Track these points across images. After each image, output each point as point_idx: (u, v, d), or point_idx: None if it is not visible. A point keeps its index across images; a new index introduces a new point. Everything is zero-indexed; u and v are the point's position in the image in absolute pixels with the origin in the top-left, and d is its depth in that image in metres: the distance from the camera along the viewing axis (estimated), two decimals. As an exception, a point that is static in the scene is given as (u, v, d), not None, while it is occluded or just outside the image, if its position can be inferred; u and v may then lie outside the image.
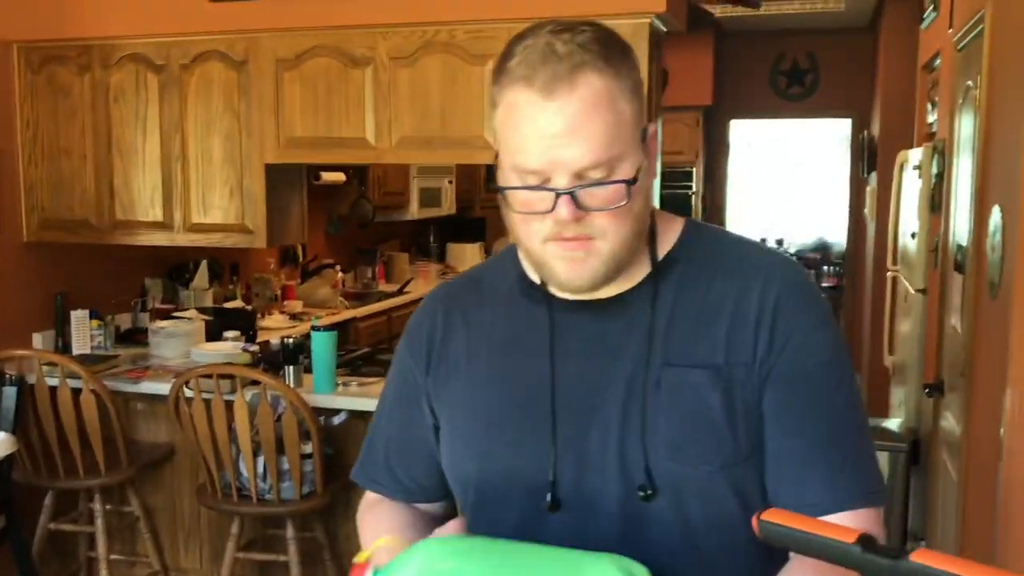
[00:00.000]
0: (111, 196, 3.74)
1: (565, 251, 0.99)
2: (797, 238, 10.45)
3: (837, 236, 9.29)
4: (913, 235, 4.10)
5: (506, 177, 1.00)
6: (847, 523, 0.97)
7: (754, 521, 0.85)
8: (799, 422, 1.02)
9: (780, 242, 10.54)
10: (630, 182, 0.96)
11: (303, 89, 3.40)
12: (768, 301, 1.03)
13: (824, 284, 9.58)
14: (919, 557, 0.75)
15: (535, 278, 1.10)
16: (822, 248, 10.19)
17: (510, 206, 1.00)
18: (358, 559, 0.98)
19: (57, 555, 3.71)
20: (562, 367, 1.06)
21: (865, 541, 0.78)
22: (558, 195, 0.95)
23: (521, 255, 1.06)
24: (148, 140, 3.66)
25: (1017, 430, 2.09)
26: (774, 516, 0.83)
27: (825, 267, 9.71)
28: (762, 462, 1.03)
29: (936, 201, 3.66)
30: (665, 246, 1.09)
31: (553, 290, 1.07)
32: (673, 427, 1.01)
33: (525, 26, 1.01)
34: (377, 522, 1.17)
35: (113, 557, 3.49)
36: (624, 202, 0.96)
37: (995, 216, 2.39)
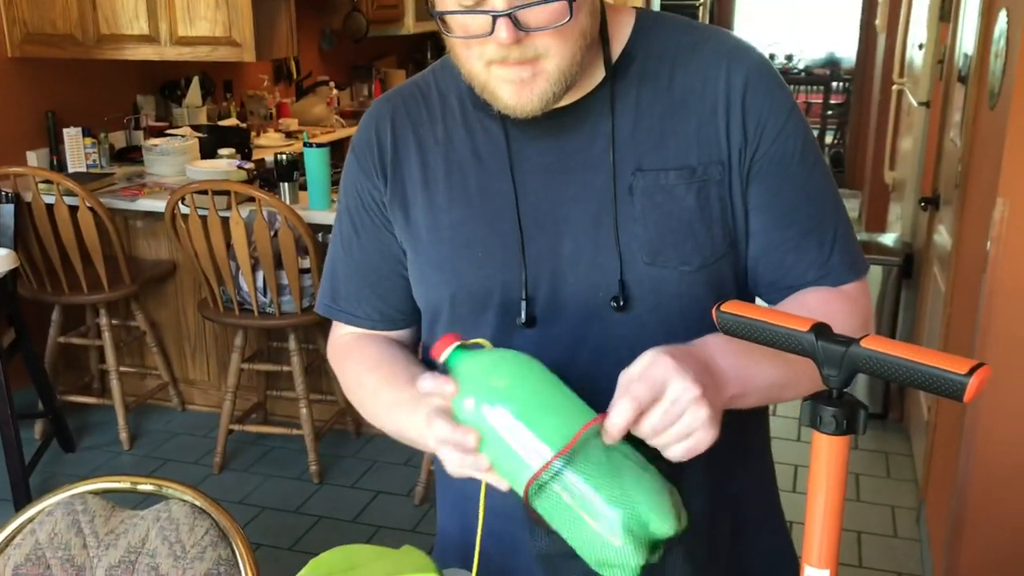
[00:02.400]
0: (93, 8, 3.63)
1: (510, 73, 0.92)
2: (807, 53, 10.15)
3: (848, 52, 9.02)
4: (920, 46, 3.98)
5: None
6: (845, 296, 1.03)
7: (713, 313, 0.87)
8: (788, 211, 1.03)
9: (789, 57, 10.24)
10: None
11: None
12: (735, 89, 1.00)
13: (832, 101, 9.38)
14: (869, 343, 0.77)
15: None
16: (831, 63, 9.91)
17: (448, 29, 0.93)
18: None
19: (69, 368, 3.84)
20: (524, 182, 1.02)
21: (819, 329, 0.80)
22: (495, 17, 0.87)
23: (464, 78, 0.97)
24: (127, -53, 3.51)
25: (1003, 240, 2.11)
26: (732, 307, 0.85)
27: (834, 83, 9.48)
28: (737, 257, 1.04)
29: (946, 8, 3.53)
30: (619, 43, 1.03)
31: None
32: (651, 232, 1.00)
33: None
34: (366, 361, 1.11)
35: (123, 369, 3.61)
36: (567, 19, 0.89)
37: (1001, 21, 2.31)
